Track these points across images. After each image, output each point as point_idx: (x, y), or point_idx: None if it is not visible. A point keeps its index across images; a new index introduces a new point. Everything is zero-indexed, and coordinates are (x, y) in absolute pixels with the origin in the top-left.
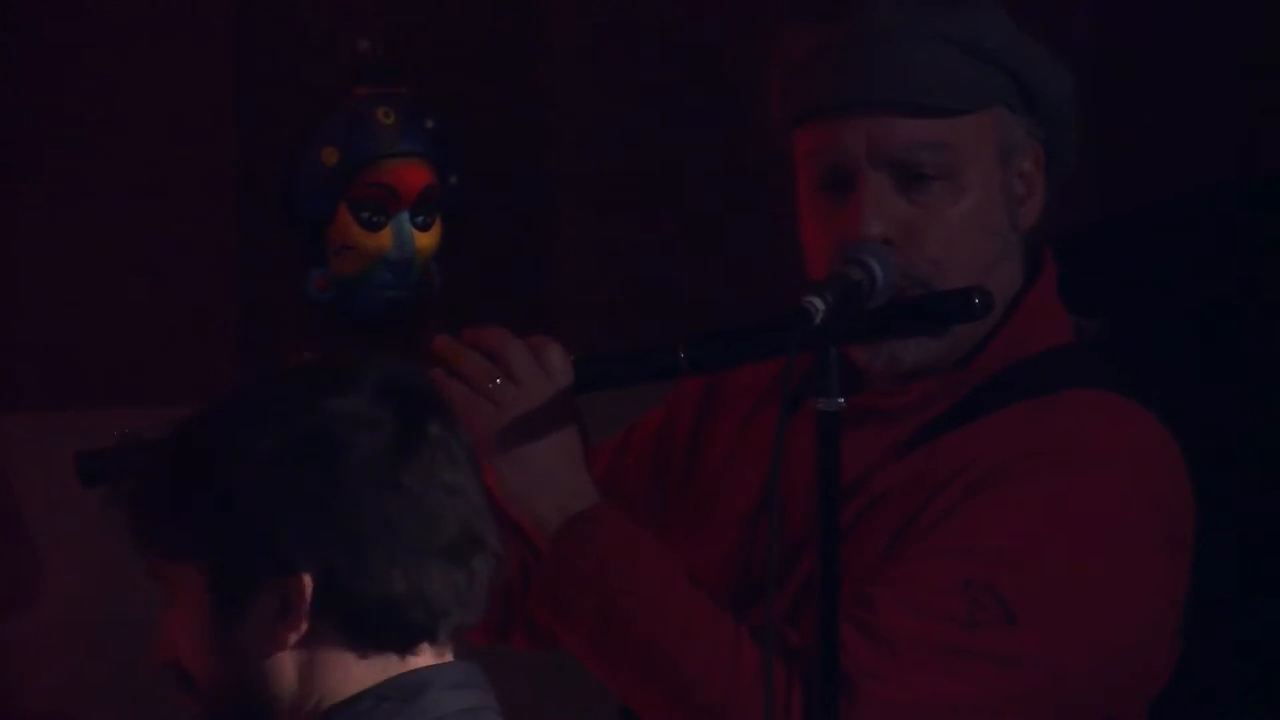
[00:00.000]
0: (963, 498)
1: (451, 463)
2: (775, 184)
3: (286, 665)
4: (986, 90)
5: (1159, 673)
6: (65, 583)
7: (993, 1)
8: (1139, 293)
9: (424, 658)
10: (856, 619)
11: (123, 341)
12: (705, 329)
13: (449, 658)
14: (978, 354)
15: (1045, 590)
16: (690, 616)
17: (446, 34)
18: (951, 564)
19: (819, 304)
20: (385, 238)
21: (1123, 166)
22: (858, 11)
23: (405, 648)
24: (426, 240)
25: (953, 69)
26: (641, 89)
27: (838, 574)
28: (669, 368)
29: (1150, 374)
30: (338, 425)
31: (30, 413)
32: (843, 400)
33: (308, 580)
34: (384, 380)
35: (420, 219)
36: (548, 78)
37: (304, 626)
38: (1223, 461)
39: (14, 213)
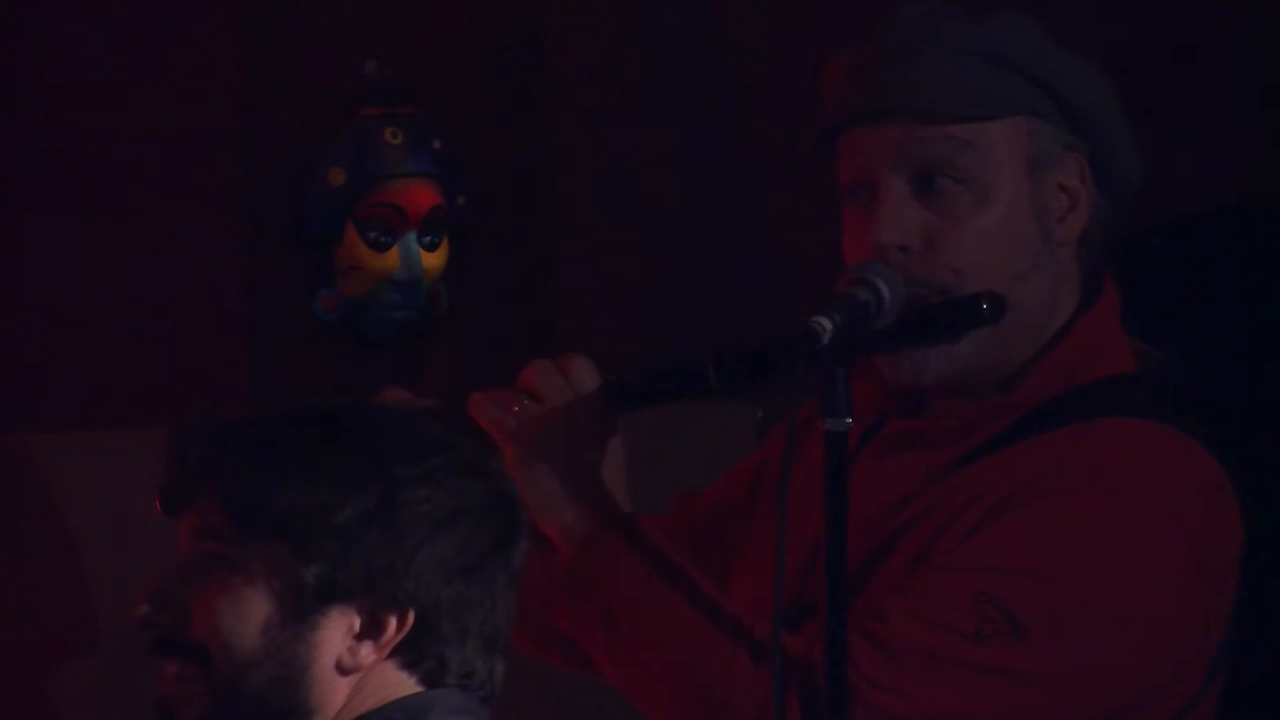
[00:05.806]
0: (983, 519)
1: (520, 563)
2: (782, 215)
3: (337, 681)
4: (1011, 98)
5: (1180, 700)
6: (74, 600)
7: (1020, 13)
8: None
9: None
10: (865, 629)
11: (131, 362)
12: (735, 345)
13: None
14: (1021, 379)
15: (1056, 608)
16: (704, 632)
17: (453, 54)
18: (964, 579)
19: (826, 324)
20: (392, 258)
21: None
22: (882, 32)
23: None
24: (434, 260)
25: (975, 79)
26: (649, 109)
27: (845, 593)
28: (699, 384)
29: (1211, 400)
30: (492, 505)
31: (37, 433)
32: (849, 420)
33: (410, 618)
34: (500, 471)
35: (427, 239)
36: (554, 97)
37: (382, 655)
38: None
39: (20, 236)
